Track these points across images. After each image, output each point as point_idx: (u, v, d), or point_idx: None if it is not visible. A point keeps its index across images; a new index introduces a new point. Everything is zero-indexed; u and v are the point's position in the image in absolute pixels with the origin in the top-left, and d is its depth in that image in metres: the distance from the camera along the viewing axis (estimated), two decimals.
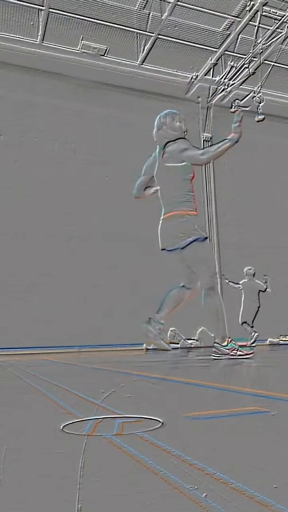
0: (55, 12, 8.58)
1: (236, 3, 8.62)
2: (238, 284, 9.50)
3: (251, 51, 9.39)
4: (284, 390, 2.07)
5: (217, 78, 10.30)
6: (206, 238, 4.26)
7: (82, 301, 8.86)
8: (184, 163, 4.14)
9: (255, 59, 9.53)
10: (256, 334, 9.29)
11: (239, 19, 8.91)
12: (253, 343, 9.17)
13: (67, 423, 1.28)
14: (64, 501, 0.71)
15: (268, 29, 8.95)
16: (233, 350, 4.05)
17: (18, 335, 8.12)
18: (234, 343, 4.15)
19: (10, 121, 9.13)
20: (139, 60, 9.82)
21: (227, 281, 9.53)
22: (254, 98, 9.74)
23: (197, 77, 10.34)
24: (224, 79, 10.21)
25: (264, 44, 9.16)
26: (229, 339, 4.17)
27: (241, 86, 10.24)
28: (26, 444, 1.12)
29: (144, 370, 3.34)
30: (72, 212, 9.24)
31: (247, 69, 9.76)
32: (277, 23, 8.76)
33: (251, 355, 4.31)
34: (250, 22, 8.87)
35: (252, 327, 9.28)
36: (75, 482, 0.79)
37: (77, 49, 9.46)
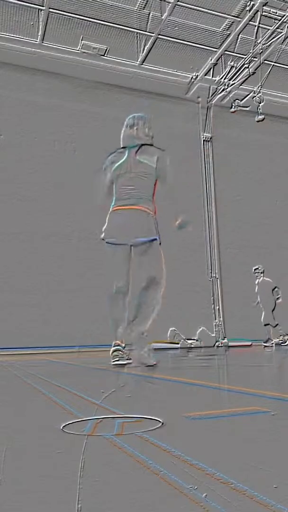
0: (55, 12, 8.58)
1: (236, 3, 8.63)
2: (257, 296, 9.41)
3: (251, 51, 9.39)
4: (284, 390, 2.07)
5: (217, 78, 10.31)
6: None
7: (82, 301, 8.86)
8: (155, 169, 4.19)
9: (255, 59, 9.53)
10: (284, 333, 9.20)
11: (239, 19, 8.91)
12: (284, 342, 9.10)
13: (67, 423, 1.28)
14: (64, 501, 0.71)
15: (268, 29, 8.95)
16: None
17: (18, 335, 8.12)
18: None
19: (10, 121, 9.13)
20: (139, 60, 9.82)
21: (255, 304, 9.40)
22: (254, 98, 9.74)
23: (197, 77, 10.34)
24: (224, 79, 10.21)
25: (264, 44, 9.16)
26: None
27: (241, 86, 10.25)
28: (26, 444, 1.12)
29: (144, 370, 3.34)
30: (72, 212, 9.24)
31: (247, 69, 9.76)
32: (277, 23, 8.76)
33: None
34: (250, 22, 8.87)
35: (277, 325, 9.19)
36: (75, 482, 0.79)
37: (77, 49, 9.47)
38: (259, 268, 9.44)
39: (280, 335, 9.18)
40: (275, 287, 9.26)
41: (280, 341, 9.14)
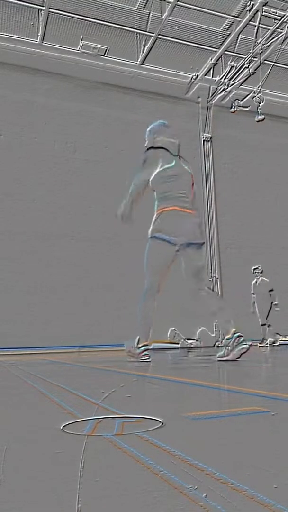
0: (55, 12, 8.59)
1: (236, 3, 8.63)
2: (253, 294, 9.46)
3: (251, 51, 9.40)
4: (284, 390, 2.07)
5: (217, 78, 10.31)
6: None
7: (82, 301, 8.86)
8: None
9: (255, 59, 9.53)
10: (279, 335, 9.26)
11: (239, 19, 8.91)
12: (261, 343, 9.16)
13: (67, 423, 1.28)
14: (64, 501, 0.71)
15: (268, 29, 8.95)
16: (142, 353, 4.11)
17: (18, 335, 8.13)
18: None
19: (10, 121, 9.14)
20: (139, 60, 9.82)
21: (251, 310, 9.45)
22: (254, 98, 9.75)
23: (197, 77, 10.34)
24: (224, 79, 10.21)
25: (264, 44, 9.17)
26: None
27: (241, 86, 10.25)
28: (26, 444, 1.12)
29: (144, 370, 3.34)
30: (73, 212, 9.24)
31: (247, 69, 9.77)
32: (277, 23, 8.77)
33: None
34: (250, 22, 8.88)
35: (269, 325, 9.24)
36: (75, 482, 0.79)
37: (77, 49, 9.47)
38: (259, 268, 9.47)
39: (276, 335, 9.22)
40: (272, 289, 9.30)
41: (273, 341, 9.18)
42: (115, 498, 0.73)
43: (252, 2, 8.43)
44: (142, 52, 9.67)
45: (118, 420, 1.34)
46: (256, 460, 0.91)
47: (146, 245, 4.16)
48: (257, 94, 9.72)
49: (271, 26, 8.92)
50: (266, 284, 9.36)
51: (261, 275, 9.45)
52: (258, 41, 9.17)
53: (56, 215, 9.14)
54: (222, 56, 9.92)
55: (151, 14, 8.77)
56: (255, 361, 4.42)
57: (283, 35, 9.00)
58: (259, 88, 9.80)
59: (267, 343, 9.18)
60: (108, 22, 8.86)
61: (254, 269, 9.50)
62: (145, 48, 9.56)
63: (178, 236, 4.05)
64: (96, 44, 9.44)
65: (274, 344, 9.14)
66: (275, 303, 9.23)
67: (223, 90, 10.41)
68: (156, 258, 4.12)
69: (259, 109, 9.58)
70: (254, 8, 8.49)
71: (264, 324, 9.23)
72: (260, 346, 8.99)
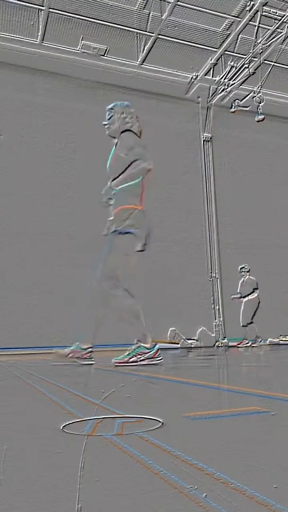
0: (55, 12, 8.58)
1: (236, 3, 8.63)
2: (239, 293, 9.51)
3: (251, 51, 9.40)
4: (284, 390, 2.07)
5: (217, 78, 10.31)
6: None
7: (82, 301, 8.85)
8: None
9: (255, 59, 9.53)
10: (260, 338, 9.30)
11: (239, 19, 8.91)
12: (254, 343, 9.19)
13: (67, 423, 1.28)
14: (64, 501, 0.71)
15: (268, 29, 8.95)
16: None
17: (18, 335, 8.12)
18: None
19: (10, 121, 9.13)
20: (139, 60, 9.82)
21: (235, 296, 9.50)
22: (254, 98, 9.75)
23: (197, 77, 10.34)
24: (224, 79, 10.21)
25: (264, 44, 9.17)
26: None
27: (241, 86, 10.25)
28: (26, 444, 1.12)
29: (144, 370, 3.34)
30: (73, 212, 9.24)
31: (247, 69, 9.77)
32: (277, 23, 8.77)
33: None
34: (250, 22, 8.87)
35: (251, 322, 9.29)
36: (75, 482, 0.79)
37: (77, 49, 9.47)
38: (245, 267, 9.54)
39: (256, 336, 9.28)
40: (256, 287, 9.36)
41: (253, 342, 9.22)
42: (115, 498, 0.73)
43: (252, 2, 8.43)
44: (142, 52, 9.67)
45: (118, 420, 1.34)
46: (256, 460, 0.91)
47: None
48: (257, 94, 9.72)
49: (271, 26, 8.92)
50: (251, 283, 9.41)
51: (248, 274, 9.51)
52: (258, 41, 9.17)
53: (56, 215, 9.14)
54: (222, 56, 9.92)
55: (151, 14, 8.77)
56: (255, 361, 4.42)
57: (283, 35, 9.00)
58: (259, 88, 9.80)
59: (260, 342, 9.21)
60: (108, 22, 8.86)
61: (241, 268, 9.55)
62: (145, 48, 9.55)
63: (142, 231, 4.02)
64: (96, 44, 9.44)
65: (254, 346, 9.16)
66: (258, 301, 9.28)
67: (223, 90, 10.41)
68: (128, 254, 4.03)
69: (259, 109, 9.58)
70: (254, 8, 8.48)
71: (252, 323, 9.28)
72: (253, 346, 9.01)
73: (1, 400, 1.98)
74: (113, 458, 0.94)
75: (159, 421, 1.28)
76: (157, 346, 3.94)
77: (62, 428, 1.24)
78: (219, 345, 9.77)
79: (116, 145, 4.27)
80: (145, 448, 1.01)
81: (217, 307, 10.22)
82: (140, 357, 3.82)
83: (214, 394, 2.06)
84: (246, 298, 9.34)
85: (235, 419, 1.38)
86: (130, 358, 3.84)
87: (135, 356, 3.84)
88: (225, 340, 9.87)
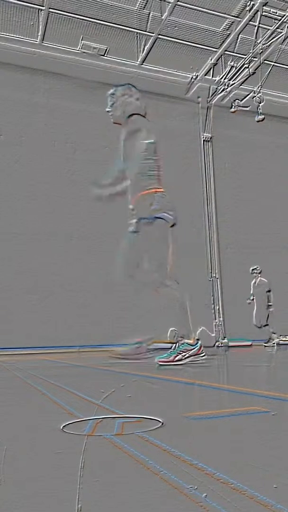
0: (55, 12, 8.58)
1: (236, 3, 8.62)
2: (252, 295, 9.49)
3: (251, 51, 9.39)
4: (284, 390, 2.07)
5: (217, 78, 10.31)
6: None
7: (83, 301, 8.86)
8: None
9: (255, 59, 9.53)
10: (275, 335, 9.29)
11: (239, 19, 8.91)
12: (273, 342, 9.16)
13: (67, 423, 1.28)
14: (64, 501, 0.71)
15: (268, 29, 8.95)
16: None
17: (18, 335, 8.12)
18: None
19: (10, 121, 9.13)
20: (139, 60, 9.81)
21: (248, 301, 9.48)
22: (254, 98, 9.74)
23: (197, 77, 10.34)
24: (224, 79, 10.21)
25: (264, 44, 9.16)
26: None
27: (241, 86, 10.25)
28: (26, 444, 1.12)
29: (144, 370, 3.34)
30: (73, 212, 9.24)
31: (247, 69, 9.76)
32: (277, 23, 8.76)
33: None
34: (250, 22, 8.87)
35: (266, 325, 9.27)
36: (75, 482, 0.79)
37: (77, 49, 9.46)
38: (257, 268, 9.50)
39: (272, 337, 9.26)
40: (269, 290, 9.34)
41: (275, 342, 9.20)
42: (115, 498, 0.73)
43: (252, 2, 8.43)
44: (142, 52, 9.67)
45: (118, 420, 1.34)
46: (256, 460, 0.91)
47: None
48: (257, 94, 9.72)
49: (271, 26, 8.91)
50: (264, 284, 9.39)
51: (259, 275, 9.48)
52: (258, 41, 9.17)
53: (56, 215, 9.13)
54: (222, 56, 9.92)
55: (151, 14, 8.77)
56: (256, 361, 4.42)
57: (283, 35, 8.99)
58: (259, 88, 9.80)
59: (273, 343, 9.18)
60: (108, 22, 8.86)
61: (253, 269, 9.53)
62: (145, 48, 9.55)
63: (174, 215, 3.90)
64: (96, 44, 9.43)
65: (266, 345, 9.16)
66: (269, 303, 9.26)
67: (223, 90, 10.41)
68: (165, 242, 3.88)
69: (259, 109, 9.58)
70: (254, 8, 8.48)
71: (267, 325, 9.25)
72: (265, 346, 9.00)
73: (1, 400, 1.98)
74: (113, 458, 0.94)
75: (159, 421, 1.28)
76: (200, 342, 3.76)
77: (62, 428, 1.24)
78: (219, 345, 9.77)
79: (123, 131, 4.10)
80: (145, 448, 1.01)
81: (217, 307, 10.22)
82: (185, 354, 3.63)
83: (214, 394, 2.06)
84: (265, 303, 9.31)
85: (235, 419, 1.38)
86: (175, 356, 3.64)
87: (180, 353, 3.65)
88: (225, 340, 9.87)
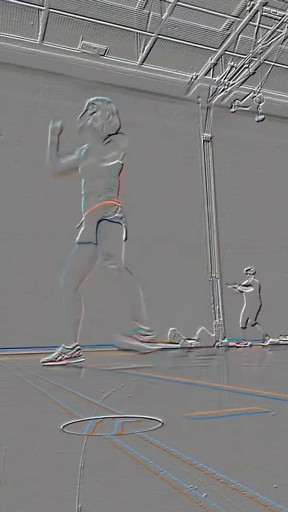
0: (55, 12, 8.58)
1: (236, 3, 8.62)
2: (249, 286, 9.54)
3: (251, 51, 9.39)
4: (284, 390, 2.07)
5: (217, 78, 10.30)
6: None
7: (83, 301, 8.85)
8: None
9: (255, 59, 9.52)
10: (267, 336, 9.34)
11: (239, 19, 8.91)
12: (263, 342, 9.21)
13: (67, 423, 1.28)
14: (64, 501, 0.71)
15: (268, 29, 8.94)
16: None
17: (18, 335, 8.12)
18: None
19: (10, 121, 9.13)
20: (139, 60, 9.81)
21: (229, 286, 9.56)
22: (254, 98, 9.74)
23: (197, 77, 10.33)
24: (224, 79, 10.21)
25: (264, 44, 9.16)
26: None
27: (241, 86, 10.24)
28: (26, 444, 1.12)
29: (144, 370, 3.34)
30: (73, 212, 9.23)
31: (247, 69, 9.76)
32: (277, 23, 8.76)
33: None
34: (250, 22, 8.87)
35: (256, 323, 9.33)
36: (75, 482, 0.79)
37: (77, 49, 9.46)
38: (251, 269, 9.56)
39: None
40: (258, 290, 9.43)
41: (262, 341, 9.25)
42: (115, 498, 0.73)
43: (252, 2, 8.43)
44: (142, 52, 9.66)
45: (118, 420, 1.34)
46: (256, 460, 0.91)
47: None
48: (257, 94, 9.71)
49: (271, 26, 8.91)
50: (257, 285, 9.46)
51: (253, 276, 9.54)
52: (258, 41, 9.16)
53: (56, 215, 9.13)
54: (222, 56, 9.91)
55: (151, 14, 8.76)
56: (255, 361, 4.42)
57: (283, 35, 8.99)
58: (259, 88, 9.79)
59: (269, 342, 9.22)
60: (108, 22, 8.86)
61: (247, 270, 9.58)
62: (145, 48, 9.54)
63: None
64: (96, 44, 9.43)
65: (263, 344, 9.19)
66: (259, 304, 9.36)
67: (223, 90, 10.40)
68: (121, 242, 4.25)
69: (259, 109, 9.57)
70: (254, 8, 8.48)
71: (256, 323, 9.32)
72: (263, 346, 9.03)
73: (1, 400, 1.98)
74: (113, 458, 0.94)
75: (159, 421, 1.28)
76: (77, 346, 4.14)
77: (62, 428, 1.24)
78: (219, 345, 9.77)
79: (93, 144, 4.33)
80: (145, 448, 1.01)
81: (217, 307, 10.22)
82: (64, 356, 4.15)
83: (214, 394, 2.06)
84: (243, 290, 9.41)
85: (235, 419, 1.38)
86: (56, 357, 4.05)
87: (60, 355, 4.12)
88: (225, 340, 9.87)
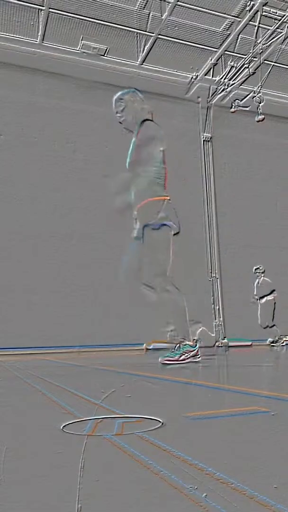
0: (55, 12, 8.58)
1: (236, 3, 8.62)
2: (256, 295, 9.49)
3: (251, 51, 9.39)
4: (284, 390, 2.07)
5: (217, 78, 10.30)
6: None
7: (83, 301, 8.86)
8: None
9: (255, 59, 9.52)
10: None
11: (239, 19, 8.91)
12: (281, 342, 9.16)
13: (67, 423, 1.28)
14: (64, 501, 0.71)
15: (268, 29, 8.94)
16: None
17: (18, 335, 8.12)
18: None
19: (10, 121, 9.13)
20: (139, 60, 9.81)
21: (253, 300, 9.48)
22: (254, 98, 9.74)
23: (197, 77, 10.33)
24: (224, 79, 10.21)
25: (264, 44, 9.16)
26: None
27: (241, 86, 10.24)
28: (26, 444, 1.12)
29: (144, 370, 3.34)
30: (73, 212, 9.24)
31: (247, 69, 9.76)
32: (277, 23, 8.76)
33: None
34: (250, 22, 8.86)
35: (274, 325, 9.27)
36: (75, 482, 0.79)
37: (77, 49, 9.46)
38: (260, 268, 9.48)
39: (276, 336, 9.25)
40: (274, 289, 9.33)
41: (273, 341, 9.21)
42: (115, 498, 0.73)
43: (252, 2, 8.42)
44: (142, 52, 9.66)
45: (118, 420, 1.34)
46: (256, 460, 0.91)
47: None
48: (257, 94, 9.71)
49: (271, 26, 8.91)
50: (268, 284, 9.37)
51: (262, 275, 9.46)
52: (258, 41, 9.16)
53: (56, 214, 9.13)
54: (222, 56, 9.91)
55: (151, 14, 8.76)
56: (255, 361, 4.42)
57: (283, 35, 8.99)
58: (259, 88, 9.79)
59: (282, 343, 9.19)
60: (108, 22, 8.85)
61: (256, 269, 9.50)
62: (145, 48, 9.54)
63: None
64: (96, 44, 9.43)
65: (274, 345, 9.16)
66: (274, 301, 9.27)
67: (223, 90, 10.40)
68: (171, 251, 4.08)
69: (259, 109, 9.57)
70: (254, 8, 8.47)
71: (274, 325, 9.26)
72: (272, 346, 9.01)
73: (1, 400, 1.98)
74: (113, 458, 0.94)
75: (159, 421, 1.28)
76: (198, 345, 3.96)
77: (62, 428, 1.24)
78: (219, 345, 9.77)
79: (136, 137, 4.19)
80: (145, 448, 1.01)
81: (217, 307, 10.21)
82: (187, 355, 3.82)
83: (214, 394, 2.06)
84: (264, 299, 9.31)
85: (235, 419, 1.38)
86: (179, 356, 3.80)
87: (183, 354, 3.82)
88: (225, 340, 9.87)
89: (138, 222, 4.02)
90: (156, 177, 3.98)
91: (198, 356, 3.84)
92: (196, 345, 3.90)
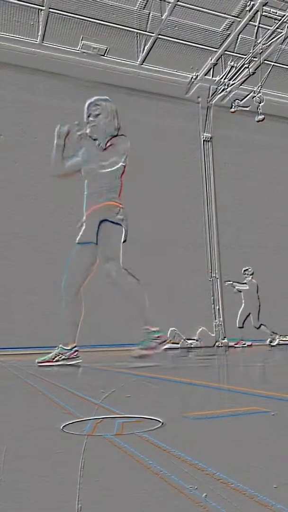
0: (55, 12, 8.58)
1: (236, 3, 8.62)
2: (245, 284, 9.56)
3: (251, 51, 9.39)
4: (284, 390, 2.07)
5: (217, 78, 10.30)
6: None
7: (83, 302, 8.85)
8: None
9: (255, 59, 9.52)
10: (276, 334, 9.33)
11: (239, 19, 8.91)
12: (271, 341, 9.21)
13: (67, 423, 1.28)
14: (64, 501, 0.71)
15: (268, 29, 8.94)
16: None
17: (18, 335, 8.12)
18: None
19: (10, 121, 9.13)
20: (139, 60, 9.81)
21: (229, 283, 9.57)
22: (254, 98, 9.74)
23: (197, 77, 10.33)
24: (224, 79, 10.21)
25: (264, 44, 9.16)
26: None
27: (241, 86, 10.24)
28: (26, 444, 1.12)
29: (144, 370, 3.34)
30: (73, 212, 9.23)
31: (247, 69, 9.76)
32: (277, 23, 8.76)
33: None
34: (250, 22, 8.86)
35: (263, 325, 9.32)
36: (75, 482, 0.79)
37: (77, 49, 9.46)
38: (249, 269, 9.56)
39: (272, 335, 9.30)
40: (257, 290, 9.46)
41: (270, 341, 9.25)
42: (115, 498, 0.73)
43: (252, 2, 8.42)
44: (142, 52, 9.66)
45: (118, 420, 1.34)
46: (256, 460, 0.91)
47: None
48: (257, 94, 9.71)
49: (271, 26, 8.91)
50: (254, 285, 9.46)
51: (251, 276, 9.54)
52: (258, 41, 9.16)
53: (56, 214, 9.13)
54: (222, 56, 9.91)
55: (151, 14, 8.76)
56: (255, 361, 4.42)
57: (283, 35, 8.99)
58: (259, 88, 9.79)
59: (278, 340, 9.22)
60: (108, 22, 8.86)
61: (245, 270, 9.58)
62: (145, 48, 9.54)
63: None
64: (96, 44, 9.43)
65: (272, 344, 9.19)
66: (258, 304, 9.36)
67: (223, 90, 10.40)
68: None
69: (259, 109, 9.57)
70: (254, 8, 8.47)
71: (262, 324, 9.31)
72: (272, 346, 9.04)
73: (1, 400, 1.98)
74: (113, 458, 0.94)
75: (159, 421, 1.28)
76: (75, 348, 4.30)
77: (62, 428, 1.24)
78: (219, 345, 9.77)
79: (93, 149, 4.34)
80: (145, 448, 1.01)
81: (217, 307, 10.21)
82: (61, 357, 4.15)
83: (214, 394, 2.06)
84: (239, 287, 9.43)
85: (235, 419, 1.38)
86: (54, 358, 4.10)
87: (57, 356, 4.17)
88: (225, 340, 9.87)
89: (85, 226, 4.35)
90: (115, 187, 4.30)
91: (74, 359, 3.98)
92: (72, 348, 4.13)
